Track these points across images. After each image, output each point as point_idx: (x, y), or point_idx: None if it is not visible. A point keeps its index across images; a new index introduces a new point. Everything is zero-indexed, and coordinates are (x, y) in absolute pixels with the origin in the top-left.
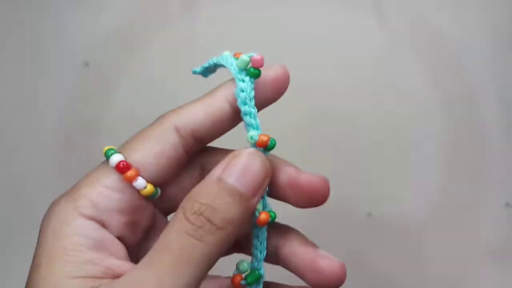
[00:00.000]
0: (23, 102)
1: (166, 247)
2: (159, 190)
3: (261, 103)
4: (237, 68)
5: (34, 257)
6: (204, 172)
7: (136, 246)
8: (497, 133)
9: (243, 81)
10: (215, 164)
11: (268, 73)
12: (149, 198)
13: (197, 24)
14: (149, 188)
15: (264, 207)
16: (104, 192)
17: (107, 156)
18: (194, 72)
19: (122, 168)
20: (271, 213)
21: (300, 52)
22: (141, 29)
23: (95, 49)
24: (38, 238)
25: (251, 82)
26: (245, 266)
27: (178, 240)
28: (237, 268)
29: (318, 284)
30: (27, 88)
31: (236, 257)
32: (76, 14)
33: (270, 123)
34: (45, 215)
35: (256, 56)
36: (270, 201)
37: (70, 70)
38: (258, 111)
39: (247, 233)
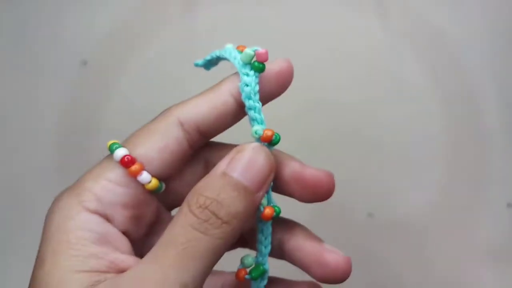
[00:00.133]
0: (21, 102)
1: (171, 241)
2: (163, 185)
3: (265, 98)
4: (241, 62)
5: (38, 253)
6: (208, 167)
7: (140, 241)
8: (497, 133)
9: (248, 75)
10: (219, 158)
11: (272, 67)
12: (153, 192)
13: (197, 24)
14: (154, 182)
15: (269, 202)
16: (108, 186)
17: (112, 150)
18: (196, 65)
19: (126, 163)
20: (276, 208)
21: (300, 52)
22: (140, 28)
23: (94, 48)
24: (42, 233)
25: (256, 76)
26: (250, 260)
27: (183, 234)
28: (242, 262)
29: (324, 278)
30: (25, 88)
31: (241, 252)
32: (75, 13)
33: (268, 123)
34: (49, 210)
35: (261, 50)
36: (273, 196)
37: (69, 69)
38: (262, 105)
39: (252, 228)
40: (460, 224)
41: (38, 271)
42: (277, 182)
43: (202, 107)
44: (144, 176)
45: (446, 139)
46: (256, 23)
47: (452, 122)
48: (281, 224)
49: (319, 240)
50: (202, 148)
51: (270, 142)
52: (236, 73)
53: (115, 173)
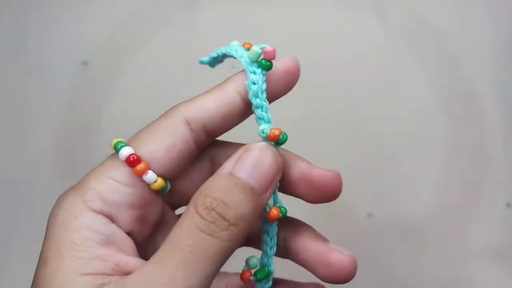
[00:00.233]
0: (22, 102)
1: (177, 243)
2: (169, 184)
3: (272, 96)
4: (248, 60)
5: (41, 252)
6: (214, 166)
7: (144, 241)
8: (497, 133)
9: (255, 73)
10: (226, 158)
11: (279, 65)
12: (159, 192)
13: (197, 24)
14: (160, 182)
15: (275, 202)
16: (113, 186)
17: (117, 149)
18: (202, 62)
19: (132, 162)
20: (282, 208)
21: (300, 52)
22: (140, 29)
23: (94, 49)
24: (46, 232)
25: (263, 75)
26: (255, 261)
27: (190, 236)
28: (247, 263)
29: (329, 278)
30: (26, 88)
31: (245, 252)
32: (75, 14)
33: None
34: (52, 209)
35: (268, 47)
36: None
37: (69, 70)
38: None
39: (257, 228)
40: (459, 224)
41: (40, 271)
42: (284, 183)
43: (209, 105)
44: (150, 176)
45: (446, 139)
46: (256, 23)
47: (452, 122)
48: (287, 223)
49: (324, 240)
50: (207, 147)
51: (277, 141)
52: (243, 71)
53: (120, 172)
